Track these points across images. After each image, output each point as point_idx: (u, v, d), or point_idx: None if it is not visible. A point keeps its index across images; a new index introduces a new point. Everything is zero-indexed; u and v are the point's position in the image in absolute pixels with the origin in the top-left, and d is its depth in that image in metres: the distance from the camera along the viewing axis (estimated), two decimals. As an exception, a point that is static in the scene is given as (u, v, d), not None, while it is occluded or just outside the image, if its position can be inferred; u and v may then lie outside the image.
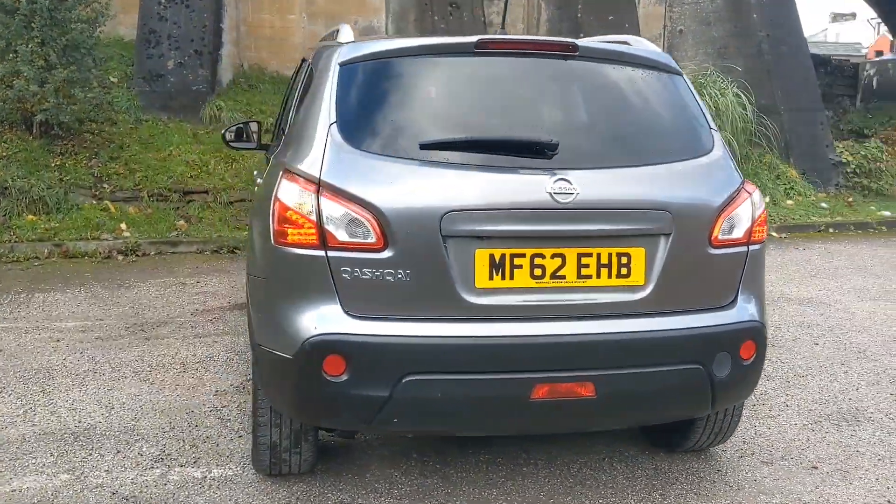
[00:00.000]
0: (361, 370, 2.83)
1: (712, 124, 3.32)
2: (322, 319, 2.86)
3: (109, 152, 9.64)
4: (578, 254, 2.92)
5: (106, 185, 9.21)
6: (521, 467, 3.64)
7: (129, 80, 11.02)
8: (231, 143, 5.29)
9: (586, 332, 2.92)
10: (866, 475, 3.66)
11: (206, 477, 3.51)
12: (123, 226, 8.59)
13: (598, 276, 2.94)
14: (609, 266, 2.95)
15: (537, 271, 2.90)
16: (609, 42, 3.58)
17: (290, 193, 2.95)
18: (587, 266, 2.93)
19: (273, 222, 2.98)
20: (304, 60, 4.43)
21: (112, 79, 10.74)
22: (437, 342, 2.84)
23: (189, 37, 10.95)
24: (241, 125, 5.35)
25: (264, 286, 3.08)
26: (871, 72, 21.47)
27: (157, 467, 3.58)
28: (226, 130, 5.14)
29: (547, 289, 2.92)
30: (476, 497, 3.37)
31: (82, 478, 3.47)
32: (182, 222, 8.94)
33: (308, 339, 2.85)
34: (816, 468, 3.71)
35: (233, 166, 9.88)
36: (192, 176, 9.58)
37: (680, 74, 3.41)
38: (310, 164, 2.96)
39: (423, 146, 2.94)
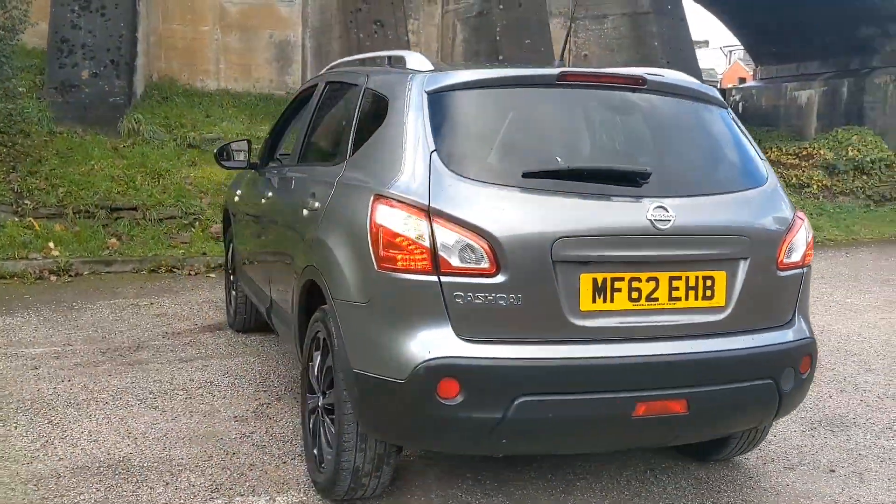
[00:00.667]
0: (475, 393, 2.89)
1: (762, 155, 3.59)
2: (436, 344, 2.90)
3: (27, 166, 9.14)
4: (670, 277, 3.09)
5: (27, 201, 8.73)
6: (574, 482, 3.76)
7: (38, 89, 10.46)
8: (224, 164, 5.24)
9: (678, 351, 3.09)
10: (878, 476, 4.01)
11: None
12: (52, 244, 8.16)
13: (686, 298, 3.12)
14: (696, 289, 3.13)
15: (634, 294, 3.05)
16: (652, 73, 3.78)
17: (395, 220, 2.98)
18: (677, 289, 3.11)
19: (376, 248, 3.00)
20: (327, 83, 4.44)
21: (21, 88, 10.15)
22: (547, 364, 2.93)
23: (105, 46, 10.53)
24: (226, 145, 5.33)
25: (366, 311, 3.08)
26: (738, 97, 23.07)
27: (218, 498, 3.48)
28: (219, 151, 5.15)
29: (642, 311, 3.07)
30: (546, 513, 3.48)
31: (144, 513, 3.34)
32: (113, 240, 8.58)
33: (422, 363, 2.88)
34: (833, 471, 4.03)
35: (160, 182, 9.56)
36: (118, 192, 9.20)
37: (727, 108, 3.66)
38: (415, 190, 3.00)
39: (526, 175, 3.04)
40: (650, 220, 3.04)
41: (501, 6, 12.47)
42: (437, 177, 3.01)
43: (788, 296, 3.37)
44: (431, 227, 2.92)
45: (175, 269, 8.30)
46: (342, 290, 3.20)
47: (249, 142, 5.36)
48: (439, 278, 2.91)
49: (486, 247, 2.90)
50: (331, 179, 3.61)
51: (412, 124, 3.19)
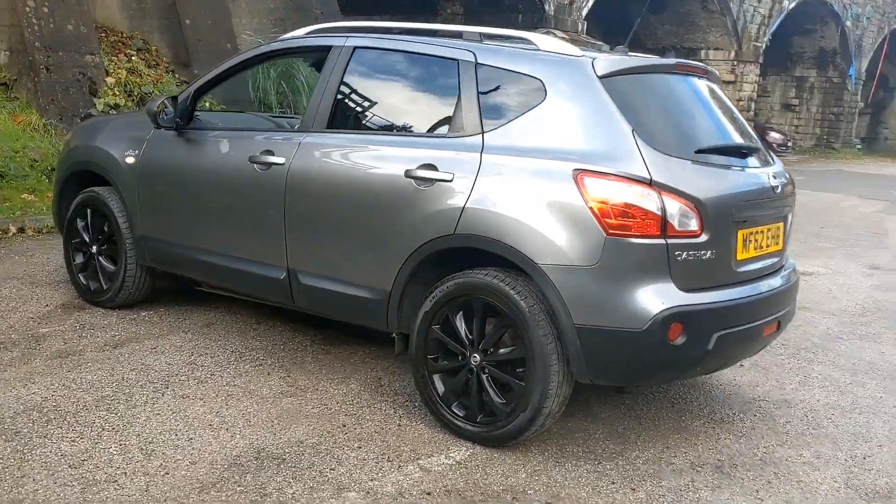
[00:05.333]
0: (693, 333, 3.53)
1: None
2: (667, 296, 3.47)
3: None
4: (768, 229, 4.02)
5: None
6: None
7: None
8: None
9: (777, 286, 4.05)
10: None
11: (456, 461, 3.67)
12: None
13: (769, 245, 4.07)
14: (776, 237, 4.11)
15: (756, 244, 3.92)
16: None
17: (623, 192, 3.44)
18: (770, 238, 4.05)
19: (604, 217, 3.43)
20: (356, 48, 4.39)
21: None
22: (730, 304, 3.68)
23: None
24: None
25: (591, 273, 3.47)
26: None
27: (395, 463, 3.59)
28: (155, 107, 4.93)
29: (760, 257, 3.96)
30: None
31: (361, 491, 3.35)
32: None
33: (659, 312, 3.43)
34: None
35: None
36: None
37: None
38: (634, 166, 3.48)
39: (699, 150, 3.70)
40: (771, 186, 3.93)
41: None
42: (648, 154, 3.52)
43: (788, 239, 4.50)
44: (661, 198, 3.45)
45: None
46: (553, 254, 3.52)
47: (177, 100, 4.99)
48: (666, 241, 3.46)
49: (696, 213, 3.52)
50: (461, 151, 3.82)
51: (597, 105, 3.63)
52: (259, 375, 4.50)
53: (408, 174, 3.95)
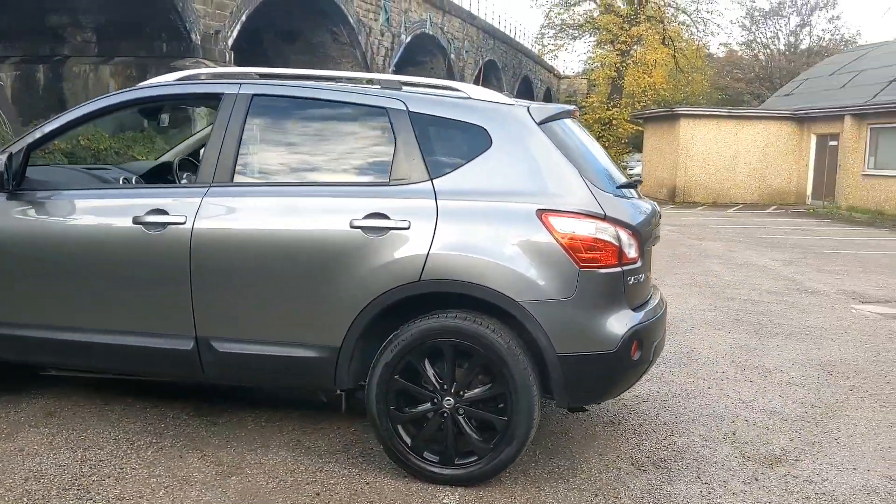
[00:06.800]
0: (644, 347, 3.98)
1: None
2: (627, 317, 3.88)
3: None
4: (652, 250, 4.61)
5: None
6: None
7: None
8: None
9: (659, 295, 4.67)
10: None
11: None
12: None
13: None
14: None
15: (650, 264, 4.49)
16: None
17: (587, 228, 3.77)
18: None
19: (575, 252, 3.73)
20: (256, 95, 4.20)
21: None
22: (655, 317, 4.17)
23: None
24: None
25: (570, 304, 3.73)
26: None
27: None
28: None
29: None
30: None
31: None
32: None
33: (624, 333, 3.83)
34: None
35: None
36: None
37: None
38: (589, 204, 3.82)
39: (619, 186, 4.15)
40: (656, 212, 4.51)
41: None
42: (596, 192, 3.89)
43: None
44: (617, 231, 3.83)
45: None
46: (531, 291, 3.72)
47: (12, 156, 4.27)
48: (622, 268, 3.86)
49: (636, 240, 3.97)
50: (411, 198, 3.87)
51: (543, 150, 3.92)
52: (172, 460, 4.03)
53: (353, 225, 3.87)
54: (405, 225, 3.84)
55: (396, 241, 3.84)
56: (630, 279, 3.92)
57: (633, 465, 4.23)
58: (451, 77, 36.20)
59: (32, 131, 4.41)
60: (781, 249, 14.29)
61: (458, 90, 4.19)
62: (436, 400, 3.84)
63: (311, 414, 4.69)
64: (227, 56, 21.52)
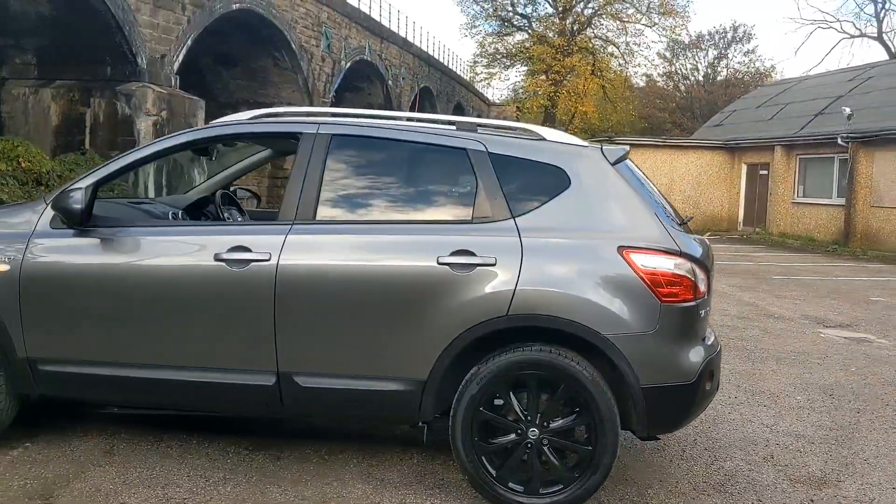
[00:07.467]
0: (713, 378, 4.20)
1: None
2: (700, 350, 4.10)
3: None
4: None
5: None
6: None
7: None
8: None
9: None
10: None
11: None
12: None
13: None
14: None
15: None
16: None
17: (666, 263, 3.98)
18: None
19: (656, 287, 3.93)
20: (335, 136, 4.28)
21: None
22: (717, 349, 4.38)
23: None
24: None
25: (653, 337, 3.91)
26: None
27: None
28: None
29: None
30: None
31: None
32: None
33: (700, 364, 4.04)
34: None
35: None
36: None
37: None
38: (662, 240, 4.03)
39: (680, 224, 4.37)
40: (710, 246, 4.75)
41: None
42: (668, 227, 4.10)
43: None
44: (692, 266, 4.05)
45: None
46: (616, 325, 3.89)
47: (83, 192, 4.23)
48: (696, 302, 4.07)
49: (706, 276, 4.19)
50: (496, 235, 4.02)
51: (618, 189, 4.12)
52: (254, 495, 4.04)
53: (441, 262, 3.98)
54: (492, 261, 3.97)
55: (484, 277, 3.97)
56: (701, 312, 4.13)
57: (694, 489, 4.42)
58: (388, 103, 36.39)
59: (101, 167, 4.37)
60: (733, 276, 14.86)
61: (533, 132, 4.36)
62: (520, 430, 3.96)
63: (369, 446, 4.74)
64: (173, 81, 21.20)
